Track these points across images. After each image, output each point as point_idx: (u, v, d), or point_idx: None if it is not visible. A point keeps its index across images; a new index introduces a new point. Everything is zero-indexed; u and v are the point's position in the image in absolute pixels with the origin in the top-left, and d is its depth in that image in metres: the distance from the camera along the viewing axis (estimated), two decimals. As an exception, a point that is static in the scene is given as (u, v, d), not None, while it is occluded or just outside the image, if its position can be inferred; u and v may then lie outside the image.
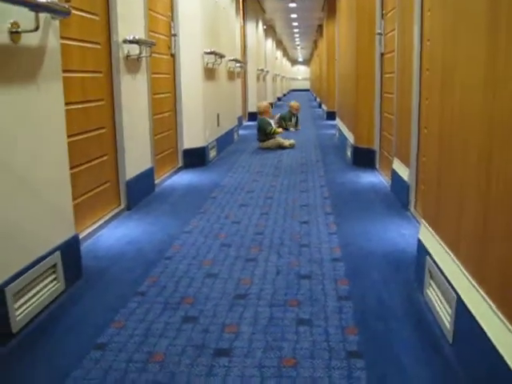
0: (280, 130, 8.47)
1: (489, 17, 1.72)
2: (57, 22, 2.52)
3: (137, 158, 4.26)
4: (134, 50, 4.08)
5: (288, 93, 35.33)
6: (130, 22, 4.07)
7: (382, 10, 5.40)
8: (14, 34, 2.14)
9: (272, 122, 8.29)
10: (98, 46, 3.60)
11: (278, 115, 10.44)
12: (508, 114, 1.54)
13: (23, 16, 2.18)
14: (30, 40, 2.28)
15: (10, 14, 2.11)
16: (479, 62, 1.81)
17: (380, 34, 5.40)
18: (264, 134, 7.82)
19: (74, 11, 2.91)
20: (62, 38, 2.79)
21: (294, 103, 10.54)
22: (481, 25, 1.80)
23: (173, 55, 5.66)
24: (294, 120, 10.53)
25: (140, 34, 4.22)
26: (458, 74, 2.09)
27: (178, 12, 5.70)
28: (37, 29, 2.24)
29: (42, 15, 2.32)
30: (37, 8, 2.20)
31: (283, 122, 10.26)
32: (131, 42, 3.96)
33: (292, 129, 10.29)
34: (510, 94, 1.53)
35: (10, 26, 2.11)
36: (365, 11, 5.81)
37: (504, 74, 1.58)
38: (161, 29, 5.22)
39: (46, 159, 2.44)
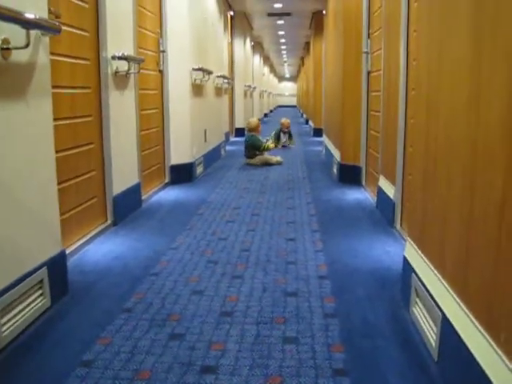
0: (272, 145, 8.44)
1: (473, 41, 1.76)
2: (47, 39, 2.54)
3: (124, 173, 4.26)
4: (123, 66, 4.10)
5: (275, 109, 35.49)
6: (119, 38, 4.10)
7: (369, 29, 5.47)
8: (5, 50, 2.15)
9: (267, 138, 8.58)
10: (87, 62, 3.61)
11: (273, 132, 10.46)
12: (490, 137, 1.57)
13: (14, 33, 2.19)
14: (20, 56, 2.29)
15: (0, 30, 2.12)
16: (463, 84, 1.85)
17: (367, 52, 5.47)
18: (253, 150, 7.85)
19: (63, 27, 2.93)
20: (52, 53, 2.79)
21: (284, 120, 10.49)
22: (465, 48, 1.84)
23: (161, 71, 5.69)
24: (284, 137, 10.46)
25: (129, 51, 4.25)
26: (442, 95, 2.13)
27: (167, 28, 5.74)
28: (27, 45, 2.25)
29: (33, 32, 2.33)
30: (28, 25, 2.22)
31: (274, 139, 10.15)
32: (120, 58, 3.98)
33: (279, 146, 10.15)
34: (492, 117, 1.56)
35: (0, 42, 2.12)
36: (351, 30, 5.88)
37: (487, 97, 1.61)
38: (149, 45, 5.25)
39: (33, 175, 2.44)
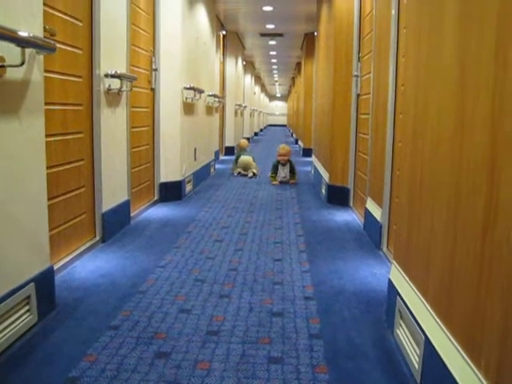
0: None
1: (458, 70, 1.81)
2: (41, 57, 2.57)
3: (113, 190, 4.28)
4: (115, 84, 4.13)
5: (265, 128, 35.61)
6: (112, 56, 4.13)
7: (359, 53, 5.55)
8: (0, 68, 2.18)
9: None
10: (80, 80, 3.64)
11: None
12: (473, 166, 1.61)
13: (9, 50, 2.22)
14: (14, 74, 2.31)
15: (-4, 48, 2.16)
16: (448, 112, 1.89)
17: (356, 76, 5.54)
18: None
19: (58, 45, 2.96)
20: (46, 71, 2.82)
21: (281, 147, 8.09)
22: (450, 77, 1.89)
23: (153, 89, 5.73)
24: (284, 171, 7.94)
25: (122, 69, 4.29)
26: (428, 121, 2.17)
27: (160, 47, 5.80)
28: (22, 64, 2.28)
29: (28, 50, 2.36)
30: (24, 43, 2.25)
31: (272, 172, 8.02)
32: (113, 76, 4.02)
33: (276, 182, 7.89)
34: (476, 144, 1.60)
35: (-5, 60, 2.16)
36: (342, 52, 5.95)
37: (470, 125, 1.66)
38: (142, 63, 5.29)
39: (24, 192, 2.46)
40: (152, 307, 2.79)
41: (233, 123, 13.46)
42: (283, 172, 7.95)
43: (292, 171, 8.01)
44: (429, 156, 2.14)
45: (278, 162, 7.96)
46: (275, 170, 7.99)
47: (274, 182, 7.86)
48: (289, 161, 7.96)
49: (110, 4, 4.05)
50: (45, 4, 2.78)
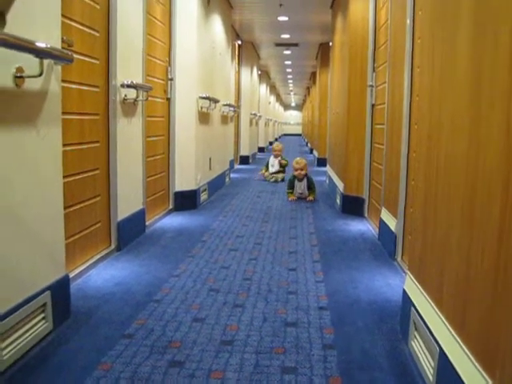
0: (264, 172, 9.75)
1: (472, 80, 1.81)
2: (59, 67, 2.60)
3: (129, 199, 4.31)
4: (131, 93, 4.17)
5: (280, 137, 35.63)
6: (128, 66, 4.18)
7: (374, 63, 5.55)
8: (18, 78, 2.21)
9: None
10: (97, 90, 3.68)
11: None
12: (489, 174, 1.61)
13: (28, 61, 2.26)
14: (32, 84, 2.35)
15: (15, 59, 2.19)
16: (463, 122, 1.89)
17: (371, 86, 5.54)
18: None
19: (75, 55, 2.99)
20: (63, 81, 2.85)
21: (296, 161, 7.35)
22: (464, 87, 1.89)
23: (168, 99, 5.77)
24: (300, 187, 7.26)
25: (138, 79, 4.33)
26: (443, 131, 2.17)
27: (176, 57, 5.84)
28: (41, 74, 2.31)
29: (46, 61, 2.39)
30: (42, 54, 2.28)
31: (288, 188, 7.40)
32: (129, 86, 4.06)
33: (294, 197, 7.26)
34: (491, 154, 1.60)
35: (14, 70, 2.19)
36: (357, 63, 5.96)
37: (486, 135, 1.66)
38: (158, 73, 5.33)
39: (40, 201, 2.48)
40: (166, 316, 2.80)
41: (248, 132, 13.50)
42: (300, 188, 7.25)
43: (310, 187, 7.27)
44: (444, 166, 2.14)
45: (294, 177, 7.29)
46: (292, 185, 7.32)
47: (291, 197, 7.23)
48: (306, 175, 7.27)
49: (126, 15, 4.10)
50: (63, 15, 2.82)
